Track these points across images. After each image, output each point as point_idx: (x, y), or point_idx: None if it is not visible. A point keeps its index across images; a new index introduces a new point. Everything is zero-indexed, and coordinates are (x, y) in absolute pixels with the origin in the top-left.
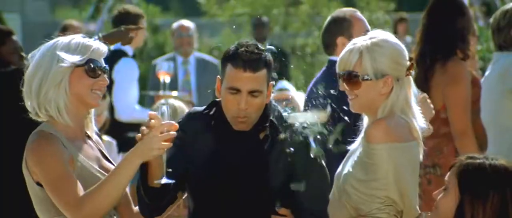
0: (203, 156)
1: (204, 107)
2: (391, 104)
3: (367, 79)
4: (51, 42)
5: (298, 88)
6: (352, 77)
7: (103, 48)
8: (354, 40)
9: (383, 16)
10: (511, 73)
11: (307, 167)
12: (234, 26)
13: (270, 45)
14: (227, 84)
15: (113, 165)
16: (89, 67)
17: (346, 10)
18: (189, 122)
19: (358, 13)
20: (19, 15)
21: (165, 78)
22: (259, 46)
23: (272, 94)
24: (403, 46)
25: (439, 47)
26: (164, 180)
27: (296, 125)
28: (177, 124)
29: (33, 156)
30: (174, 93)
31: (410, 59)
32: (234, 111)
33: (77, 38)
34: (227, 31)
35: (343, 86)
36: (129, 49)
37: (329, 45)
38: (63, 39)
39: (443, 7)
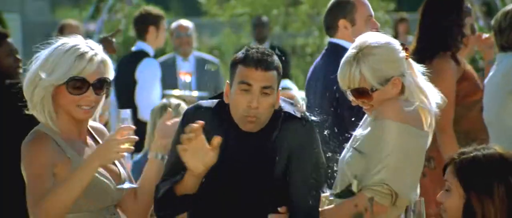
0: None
1: (214, 102)
2: (407, 97)
3: (376, 90)
4: (52, 48)
5: (299, 88)
6: (361, 93)
7: (98, 61)
8: (347, 53)
9: (383, 16)
10: None
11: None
12: (234, 27)
13: (270, 45)
14: (238, 81)
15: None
16: (71, 85)
17: None
18: (195, 118)
19: None
20: (19, 15)
21: (185, 77)
22: (269, 50)
23: None
24: (390, 39)
25: (428, 44)
26: (127, 185)
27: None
28: (133, 127)
29: (23, 152)
30: (195, 93)
31: (402, 45)
32: (244, 110)
33: (71, 52)
34: (227, 31)
35: (356, 102)
36: (150, 49)
37: (331, 27)
38: (60, 49)
39: (435, 5)
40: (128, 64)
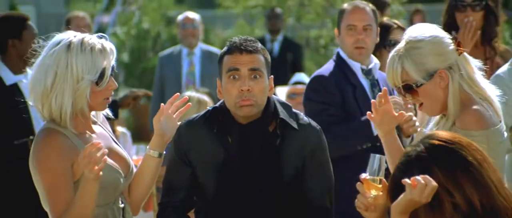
0: (211, 160)
1: (199, 114)
2: (453, 92)
3: (421, 85)
4: (63, 43)
5: None
6: (407, 90)
7: (110, 49)
8: (394, 50)
9: (397, 8)
10: None
11: (317, 165)
12: (247, 19)
13: (284, 37)
14: (226, 69)
15: (119, 146)
16: (102, 80)
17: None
18: (188, 131)
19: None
20: (34, 7)
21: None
22: (252, 37)
23: (287, 88)
24: (439, 32)
25: None
26: None
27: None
28: (98, 142)
29: (37, 153)
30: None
31: (454, 39)
32: (237, 96)
33: (86, 45)
34: (241, 23)
35: (404, 98)
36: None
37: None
38: (75, 43)
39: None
40: None
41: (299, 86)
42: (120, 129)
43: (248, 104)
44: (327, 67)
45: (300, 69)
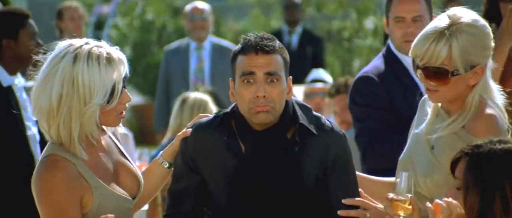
0: (222, 169)
1: (211, 116)
2: (477, 92)
3: (456, 75)
4: (68, 58)
5: (334, 77)
6: (437, 74)
7: (119, 59)
8: (434, 23)
9: None
10: None
11: (341, 174)
12: (262, 9)
13: (303, 29)
14: (240, 73)
15: (128, 160)
16: (112, 97)
17: None
18: (196, 136)
19: None
20: None
21: None
22: (269, 34)
23: (305, 86)
24: (485, 22)
25: None
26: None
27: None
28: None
29: (41, 184)
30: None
31: None
32: (251, 101)
33: (94, 59)
34: (255, 14)
35: (425, 81)
36: None
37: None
38: (81, 58)
39: None
40: None
41: (318, 85)
42: (120, 129)
43: (265, 111)
44: (374, 65)
45: (321, 64)
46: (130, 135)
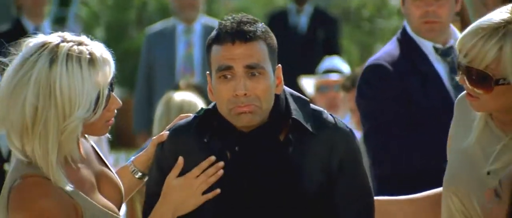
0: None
1: (191, 116)
2: None
3: (502, 84)
4: (43, 60)
5: (353, 68)
6: (482, 79)
7: (103, 59)
8: (490, 16)
9: None
10: None
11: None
12: None
13: (314, 8)
14: (216, 67)
15: (109, 167)
16: (96, 105)
17: None
18: (173, 141)
19: None
20: None
21: None
22: (250, 16)
23: (316, 78)
24: None
25: None
26: None
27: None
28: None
29: (24, 206)
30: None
31: None
32: (230, 101)
33: (75, 66)
34: None
35: (465, 83)
36: None
37: None
38: (59, 60)
39: None
40: None
41: (332, 76)
42: None
43: (248, 112)
44: (387, 50)
45: (335, 51)
46: (104, 138)
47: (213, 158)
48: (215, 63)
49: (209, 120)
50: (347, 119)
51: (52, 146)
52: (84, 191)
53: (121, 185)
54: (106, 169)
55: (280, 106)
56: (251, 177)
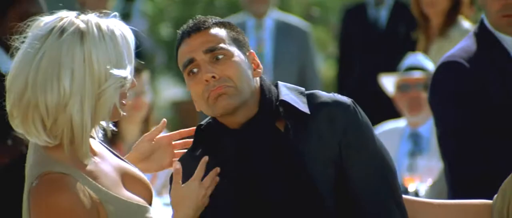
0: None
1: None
2: None
3: None
4: (71, 31)
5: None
6: None
7: (125, 35)
8: None
9: None
10: None
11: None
12: None
13: (395, 1)
14: (181, 68)
15: (129, 164)
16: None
17: None
18: (183, 171)
19: None
20: None
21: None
22: (214, 17)
23: (397, 76)
24: None
25: None
26: None
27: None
28: None
29: (50, 210)
30: None
31: None
32: (204, 90)
33: (106, 31)
34: None
35: None
36: None
37: None
38: (91, 32)
39: None
40: None
41: (415, 74)
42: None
43: (223, 93)
44: (462, 47)
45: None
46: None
47: (206, 158)
48: (180, 63)
49: (202, 135)
50: (431, 121)
51: (88, 113)
52: (106, 185)
53: (149, 182)
54: (128, 166)
55: (265, 92)
56: (255, 164)
